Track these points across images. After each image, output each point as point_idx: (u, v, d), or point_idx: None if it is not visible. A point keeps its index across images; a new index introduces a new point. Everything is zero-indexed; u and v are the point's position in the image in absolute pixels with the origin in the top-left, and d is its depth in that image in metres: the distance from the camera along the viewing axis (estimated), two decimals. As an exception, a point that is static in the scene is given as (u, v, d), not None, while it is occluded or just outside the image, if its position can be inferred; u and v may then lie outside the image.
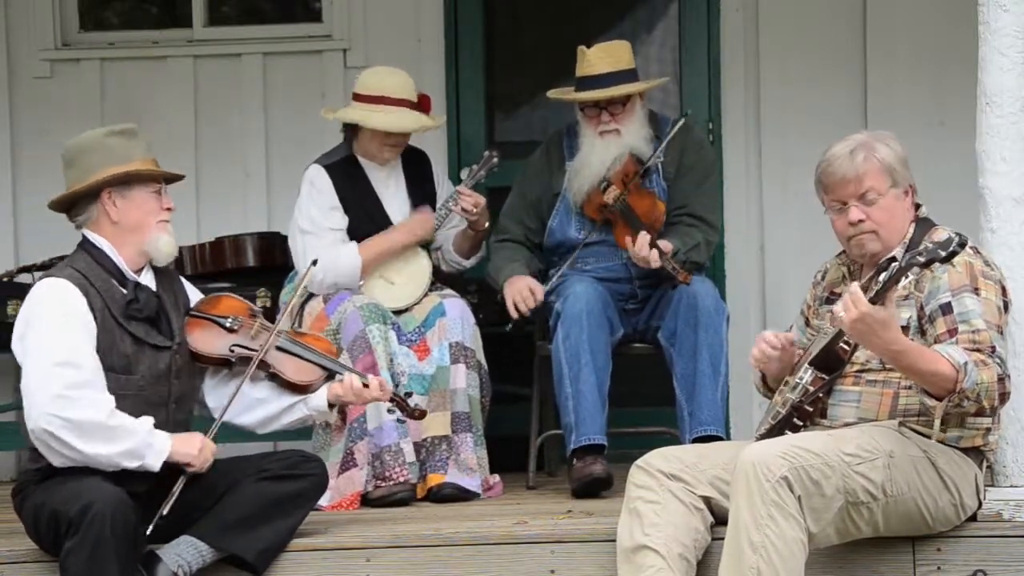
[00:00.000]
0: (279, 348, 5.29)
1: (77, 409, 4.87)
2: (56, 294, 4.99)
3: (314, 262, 5.76)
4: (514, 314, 6.21)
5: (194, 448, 5.03)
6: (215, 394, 5.30)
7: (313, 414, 5.33)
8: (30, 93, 7.56)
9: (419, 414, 5.52)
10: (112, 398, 4.95)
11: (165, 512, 4.97)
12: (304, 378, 5.28)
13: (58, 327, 4.93)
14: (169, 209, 5.19)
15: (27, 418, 4.92)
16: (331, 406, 5.33)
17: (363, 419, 6.03)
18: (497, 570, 5.16)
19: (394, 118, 6.25)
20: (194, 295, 5.36)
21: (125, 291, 5.08)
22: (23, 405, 4.95)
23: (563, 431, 6.07)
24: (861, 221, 4.89)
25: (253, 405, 5.28)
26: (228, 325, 5.27)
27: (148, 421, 4.99)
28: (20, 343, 4.99)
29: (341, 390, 5.28)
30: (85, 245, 5.14)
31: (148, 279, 5.17)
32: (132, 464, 4.94)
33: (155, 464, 4.97)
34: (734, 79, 7.38)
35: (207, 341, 5.24)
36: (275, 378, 5.28)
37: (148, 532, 4.94)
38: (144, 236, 5.12)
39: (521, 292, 6.19)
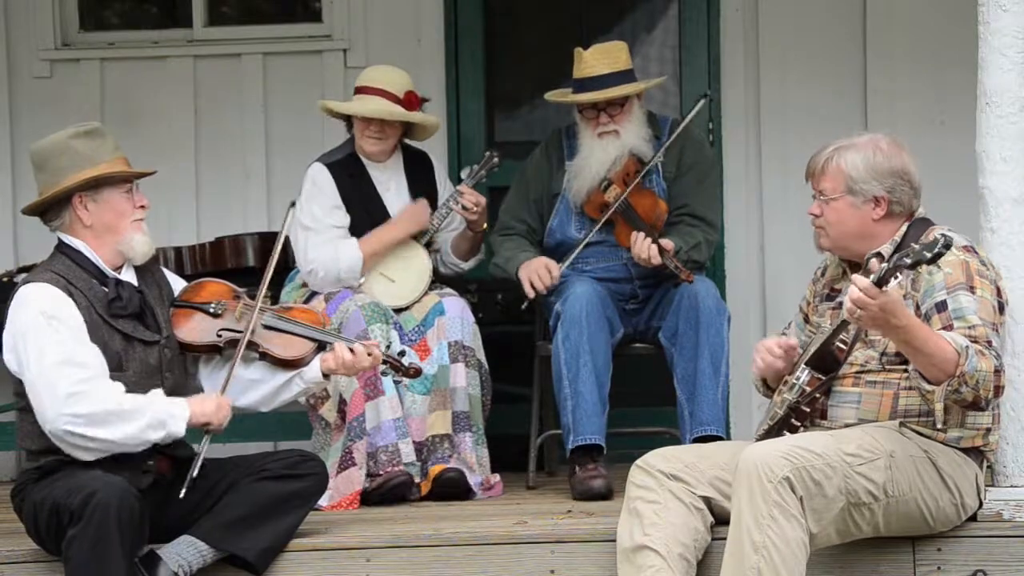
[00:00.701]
0: (265, 326, 5.27)
1: (89, 403, 4.88)
2: (39, 298, 4.98)
3: (292, 203, 5.75)
4: (530, 292, 6.18)
5: (211, 407, 5.06)
6: (211, 380, 5.30)
7: (310, 386, 5.33)
8: (30, 93, 7.56)
9: (414, 372, 5.51)
10: (120, 384, 4.96)
11: (195, 475, 5.00)
12: (293, 353, 5.27)
13: (47, 331, 4.93)
14: (143, 207, 5.17)
15: (43, 423, 4.92)
16: (327, 376, 5.32)
17: (362, 418, 6.03)
18: (497, 570, 5.16)
19: (362, 103, 6.26)
20: (177, 284, 5.35)
21: (107, 289, 5.07)
22: (35, 412, 4.94)
23: (562, 431, 6.07)
24: (814, 215, 4.98)
25: (249, 387, 5.28)
26: (212, 310, 5.26)
27: (159, 392, 5.01)
28: (13, 355, 4.99)
29: (333, 360, 5.27)
30: (62, 248, 5.13)
31: (129, 275, 5.16)
32: (158, 435, 4.96)
33: (179, 429, 4.99)
34: (734, 79, 7.38)
35: (194, 330, 5.23)
36: (266, 356, 5.27)
37: (181, 495, 4.99)
38: (119, 237, 5.12)
39: (538, 270, 6.19)
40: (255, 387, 5.29)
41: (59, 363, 4.89)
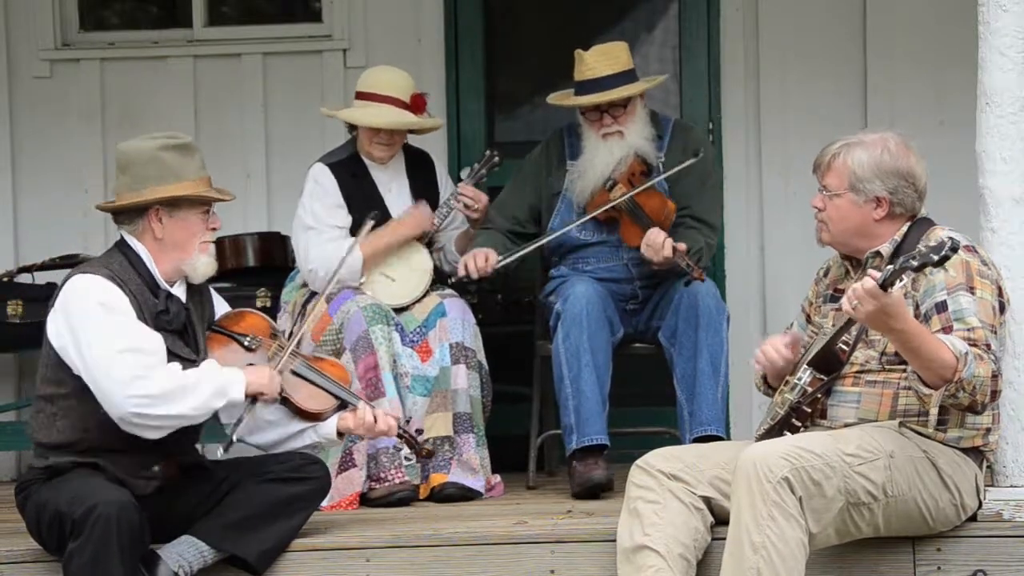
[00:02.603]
0: (294, 372, 5.25)
1: (154, 383, 4.88)
2: (95, 288, 4.96)
3: (369, 230, 5.78)
4: (461, 272, 6.19)
5: (265, 377, 5.08)
6: (226, 411, 5.22)
7: (322, 441, 5.32)
8: (30, 93, 7.56)
9: (426, 453, 5.50)
10: (177, 364, 4.98)
11: (236, 436, 5.08)
12: (315, 406, 5.25)
13: (107, 318, 4.92)
14: (214, 229, 5.16)
15: (110, 409, 4.90)
16: (340, 436, 5.31)
17: (363, 419, 6.03)
18: (497, 570, 5.16)
19: (373, 113, 6.25)
20: (220, 307, 5.33)
21: (157, 301, 5.06)
22: (100, 399, 4.92)
23: (563, 431, 6.07)
24: (817, 208, 4.99)
25: (263, 427, 5.26)
26: (247, 344, 5.24)
27: (211, 362, 5.05)
28: (75, 349, 4.93)
29: (352, 422, 5.26)
30: (122, 248, 5.12)
31: (180, 291, 5.15)
32: (221, 402, 5.00)
33: (239, 394, 5.02)
34: (734, 79, 7.38)
35: (224, 358, 5.19)
36: (287, 403, 5.24)
37: (221, 453, 5.06)
38: (185, 256, 5.10)
39: (475, 255, 6.18)
40: (270, 428, 5.27)
41: (123, 350, 4.88)
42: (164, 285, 5.10)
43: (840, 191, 4.93)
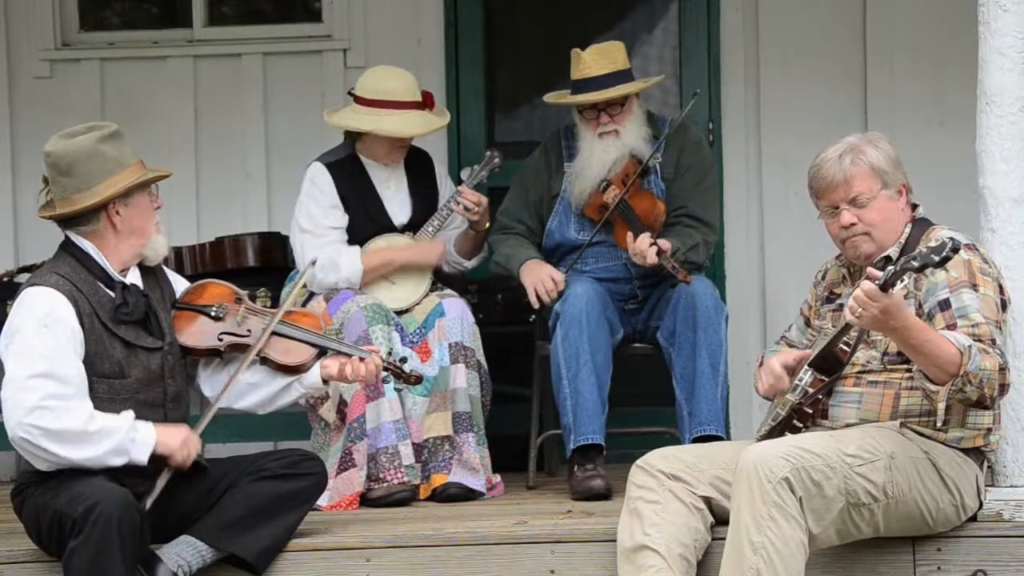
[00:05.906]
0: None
1: (55, 419, 4.83)
2: (41, 303, 4.92)
3: (312, 262, 5.75)
4: (535, 303, 6.17)
5: (176, 440, 4.99)
6: (211, 383, 5.28)
7: (309, 392, 5.32)
8: (30, 93, 7.56)
9: (415, 379, 5.48)
10: (91, 404, 4.90)
11: (147, 506, 4.94)
12: (294, 359, 5.24)
13: (40, 338, 4.87)
14: (158, 208, 5.14)
15: (7, 427, 4.89)
16: (326, 382, 5.31)
17: (362, 419, 6.03)
18: (497, 570, 5.16)
19: (402, 121, 6.23)
20: (179, 284, 5.31)
21: (113, 294, 5.03)
22: (3, 413, 4.91)
23: (562, 431, 6.07)
24: (853, 224, 4.92)
25: (247, 390, 5.26)
26: (214, 314, 5.22)
27: (129, 415, 4.95)
28: (5, 351, 4.94)
29: (335, 368, 5.26)
30: (69, 248, 5.07)
31: (135, 278, 5.12)
32: (119, 461, 4.92)
33: (141, 457, 4.94)
34: (734, 79, 7.38)
35: (195, 334, 5.19)
36: (266, 361, 5.25)
37: (145, 507, 4.92)
38: (144, 239, 5.08)
39: (544, 282, 6.17)
40: (254, 391, 5.27)
41: (38, 374, 4.84)
42: (117, 277, 5.06)
43: (875, 193, 4.90)
